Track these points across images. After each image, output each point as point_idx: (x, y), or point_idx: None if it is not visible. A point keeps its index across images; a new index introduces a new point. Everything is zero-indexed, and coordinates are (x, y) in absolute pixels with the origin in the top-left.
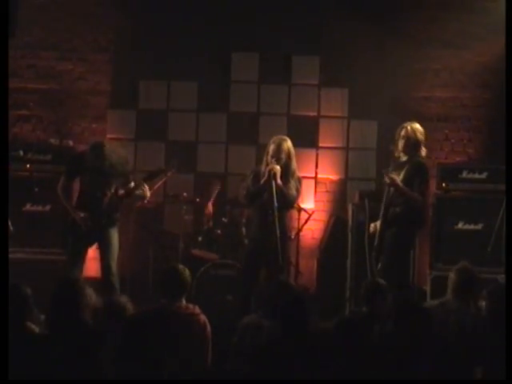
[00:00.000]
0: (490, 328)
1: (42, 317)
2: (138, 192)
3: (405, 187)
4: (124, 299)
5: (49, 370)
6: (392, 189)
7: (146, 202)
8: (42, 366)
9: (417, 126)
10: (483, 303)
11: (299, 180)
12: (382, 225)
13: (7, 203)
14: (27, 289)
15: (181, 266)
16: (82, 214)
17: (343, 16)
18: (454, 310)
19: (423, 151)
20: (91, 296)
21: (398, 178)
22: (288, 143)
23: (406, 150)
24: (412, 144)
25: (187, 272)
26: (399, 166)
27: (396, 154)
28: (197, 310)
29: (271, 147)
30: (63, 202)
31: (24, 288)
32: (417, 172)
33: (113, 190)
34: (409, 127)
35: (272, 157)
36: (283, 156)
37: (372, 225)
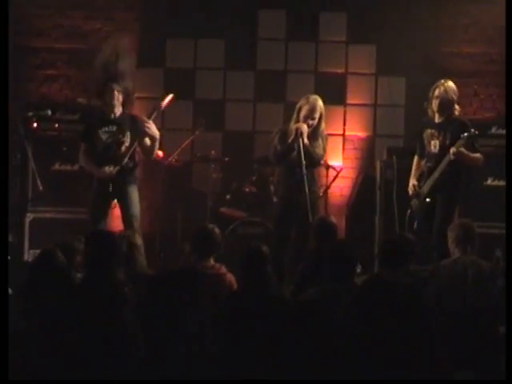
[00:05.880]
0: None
1: (78, 275)
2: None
3: (470, 154)
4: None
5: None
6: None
7: (156, 141)
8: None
9: (450, 84)
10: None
11: (326, 138)
12: (431, 188)
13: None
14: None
15: (211, 226)
16: (103, 168)
17: None
18: (470, 264)
19: (456, 110)
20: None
21: (439, 141)
22: (320, 102)
23: (440, 110)
24: (445, 104)
25: (217, 232)
26: (437, 126)
27: (430, 113)
28: (223, 269)
29: (306, 107)
30: (87, 168)
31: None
32: (464, 132)
33: (126, 137)
34: (441, 87)
35: (306, 116)
36: (317, 116)
37: (410, 185)
